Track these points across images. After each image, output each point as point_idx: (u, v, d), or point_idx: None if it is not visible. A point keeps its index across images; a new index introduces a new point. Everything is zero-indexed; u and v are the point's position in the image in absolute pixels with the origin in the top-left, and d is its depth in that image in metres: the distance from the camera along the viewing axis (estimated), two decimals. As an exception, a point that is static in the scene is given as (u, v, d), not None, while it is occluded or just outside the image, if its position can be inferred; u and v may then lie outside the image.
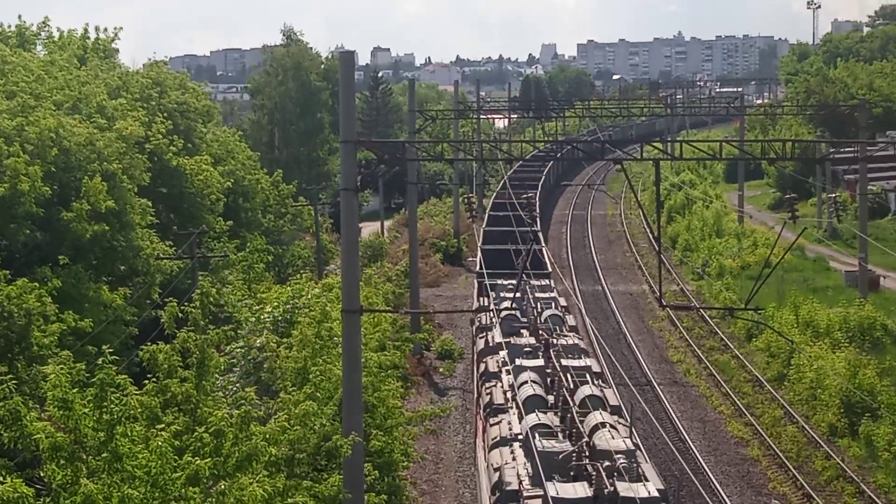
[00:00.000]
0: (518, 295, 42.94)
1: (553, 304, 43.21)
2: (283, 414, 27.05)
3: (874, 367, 48.69)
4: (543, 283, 49.67)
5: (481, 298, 50.96)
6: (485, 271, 48.47)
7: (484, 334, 42.03)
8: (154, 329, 41.29)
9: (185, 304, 36.66)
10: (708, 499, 40.18)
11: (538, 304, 42.24)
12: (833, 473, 42.42)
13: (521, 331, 38.49)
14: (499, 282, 47.65)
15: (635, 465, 24.37)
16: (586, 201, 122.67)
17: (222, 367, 32.47)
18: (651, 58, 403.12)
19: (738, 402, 51.42)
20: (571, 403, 28.10)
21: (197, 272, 47.05)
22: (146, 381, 24.35)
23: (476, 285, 58.34)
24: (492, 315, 42.35)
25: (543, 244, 77.66)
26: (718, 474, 42.91)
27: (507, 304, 42.23)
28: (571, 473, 24.43)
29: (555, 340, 35.34)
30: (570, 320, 43.29)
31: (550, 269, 58.32)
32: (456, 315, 66.18)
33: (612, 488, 22.71)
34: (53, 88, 52.16)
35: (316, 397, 29.07)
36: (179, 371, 24.96)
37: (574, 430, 26.76)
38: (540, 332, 36.99)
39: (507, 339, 36.65)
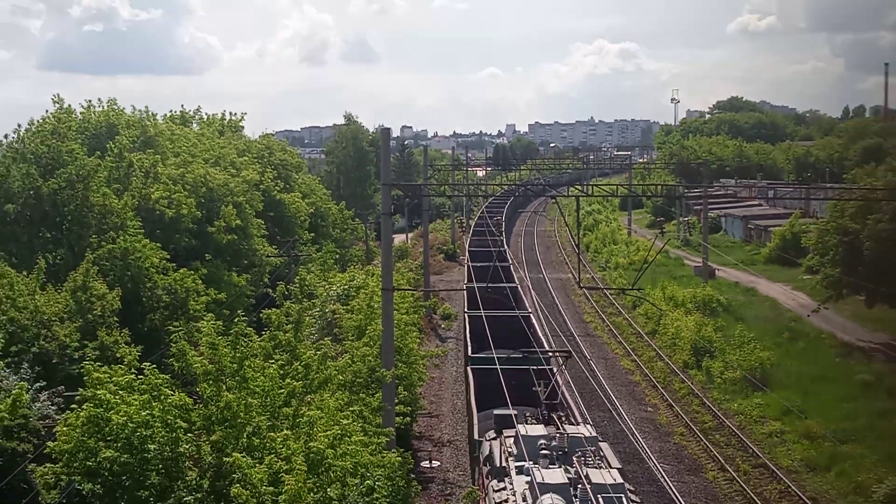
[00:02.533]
0: (563, 476, 18.26)
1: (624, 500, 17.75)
2: (348, 355, 27.23)
3: (711, 325, 48.88)
4: (585, 431, 21.51)
5: (493, 444, 22.86)
6: (508, 403, 23.75)
7: None
8: (264, 301, 41.50)
9: (286, 284, 36.88)
10: (607, 404, 40.33)
11: (598, 497, 17.33)
12: (686, 392, 42.56)
13: None
14: (524, 430, 20.96)
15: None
16: (534, 222, 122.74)
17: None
18: (574, 133, 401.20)
19: (626, 346, 51.55)
20: None
21: (292, 265, 47.17)
22: (262, 333, 24.57)
23: (472, 385, 31.01)
24: None
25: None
26: (614, 391, 43.01)
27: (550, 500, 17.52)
28: None
29: None
30: None
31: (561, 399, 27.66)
32: (452, 291, 66.26)
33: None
34: (203, 150, 52.41)
35: (370, 345, 29.23)
36: (284, 326, 25.14)
37: None
38: None
39: None
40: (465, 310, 44.92)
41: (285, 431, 17.80)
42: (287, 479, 15.36)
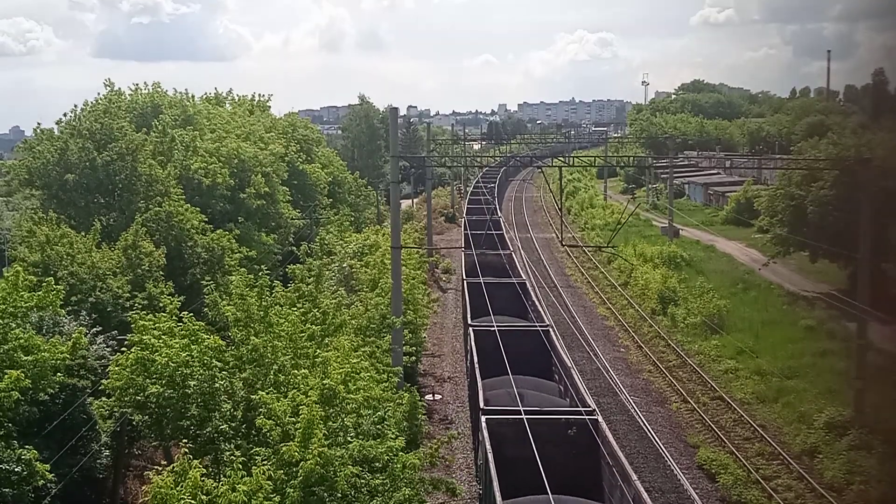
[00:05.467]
0: None
1: None
2: (362, 304, 27.04)
3: (675, 277, 48.80)
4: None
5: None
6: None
7: None
8: (289, 257, 41.30)
9: (308, 243, 36.60)
10: (586, 346, 40.31)
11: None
12: (654, 334, 42.54)
13: None
14: None
15: None
16: (522, 189, 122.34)
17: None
18: (557, 111, 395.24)
19: (602, 296, 51.48)
20: None
21: (313, 227, 46.89)
22: (288, 285, 24.37)
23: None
24: None
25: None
26: (592, 334, 43.01)
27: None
28: None
29: None
30: None
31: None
32: (452, 249, 66.10)
33: None
34: (235, 126, 51.75)
35: (381, 296, 29.04)
36: (307, 279, 24.94)
37: None
38: None
39: None
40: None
41: (304, 371, 17.70)
42: (303, 409, 15.31)
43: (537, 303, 36.68)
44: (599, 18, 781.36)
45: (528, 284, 39.74)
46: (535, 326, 30.72)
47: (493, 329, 27.92)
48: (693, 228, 69.11)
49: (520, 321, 33.85)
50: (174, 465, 13.73)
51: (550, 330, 30.60)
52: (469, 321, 32.82)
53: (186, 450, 14.40)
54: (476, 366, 25.97)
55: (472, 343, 28.46)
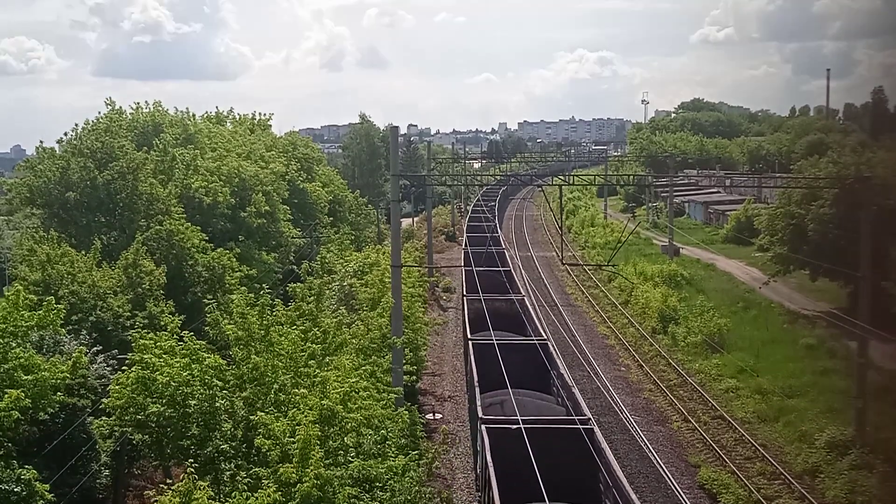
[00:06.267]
0: None
1: None
2: (363, 324, 27.01)
3: (676, 296, 48.72)
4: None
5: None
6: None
7: None
8: (290, 276, 41.34)
9: (309, 262, 36.60)
10: (586, 366, 40.24)
11: None
12: (654, 353, 42.43)
13: None
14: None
15: None
16: (522, 207, 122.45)
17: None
18: (557, 130, 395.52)
19: (603, 315, 51.40)
20: None
21: (314, 245, 46.95)
22: (289, 304, 24.39)
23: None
24: None
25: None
26: (592, 353, 42.90)
27: None
28: None
29: None
30: None
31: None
32: (453, 268, 66.10)
33: None
34: (236, 145, 51.97)
35: (383, 315, 29.01)
36: (307, 298, 24.96)
37: None
38: None
39: None
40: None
41: (303, 390, 17.73)
42: (300, 430, 15.32)
43: (565, 374, 28.24)
44: (599, 37, 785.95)
45: (550, 346, 31.62)
46: (574, 420, 22.79)
47: (517, 427, 21.19)
48: (693, 247, 69.12)
49: (544, 398, 27.16)
50: (178, 484, 13.74)
51: (593, 426, 22.48)
52: (480, 412, 23.72)
53: (192, 469, 14.41)
54: (494, 490, 18.16)
55: (486, 444, 20.80)
